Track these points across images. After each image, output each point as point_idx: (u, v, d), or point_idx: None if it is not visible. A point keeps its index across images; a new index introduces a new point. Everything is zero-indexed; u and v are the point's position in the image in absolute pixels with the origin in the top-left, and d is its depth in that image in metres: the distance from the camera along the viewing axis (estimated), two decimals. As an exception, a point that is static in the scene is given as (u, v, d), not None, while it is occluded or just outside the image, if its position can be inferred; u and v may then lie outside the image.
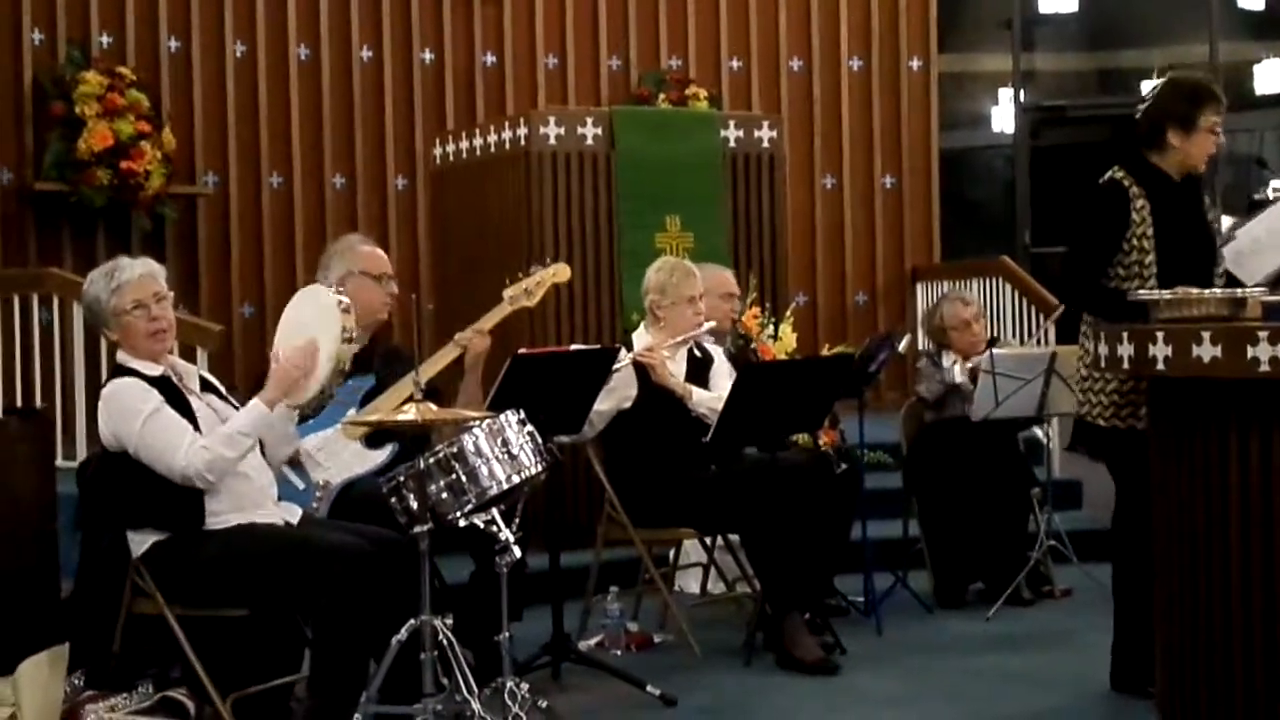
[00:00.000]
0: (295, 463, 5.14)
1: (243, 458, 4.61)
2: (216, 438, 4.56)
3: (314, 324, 4.71)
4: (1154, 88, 5.07)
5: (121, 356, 4.71)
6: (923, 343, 8.83)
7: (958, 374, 6.83)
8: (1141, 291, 4.76)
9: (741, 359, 6.49)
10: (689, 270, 6.12)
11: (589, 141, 7.46)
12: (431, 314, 7.84)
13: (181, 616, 4.64)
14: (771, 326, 7.27)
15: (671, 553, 6.77)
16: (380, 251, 5.60)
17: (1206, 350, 4.05)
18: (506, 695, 4.51)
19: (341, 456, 5.24)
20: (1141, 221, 4.94)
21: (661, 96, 10.22)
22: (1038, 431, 7.55)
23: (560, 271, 5.63)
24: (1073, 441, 5.22)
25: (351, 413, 5.17)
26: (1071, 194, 5.69)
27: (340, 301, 4.72)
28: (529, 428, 4.58)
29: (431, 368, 5.27)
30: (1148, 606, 4.70)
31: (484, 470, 4.43)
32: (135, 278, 4.69)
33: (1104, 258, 4.97)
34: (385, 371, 5.33)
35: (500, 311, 5.49)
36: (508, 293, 5.51)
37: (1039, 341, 8.09)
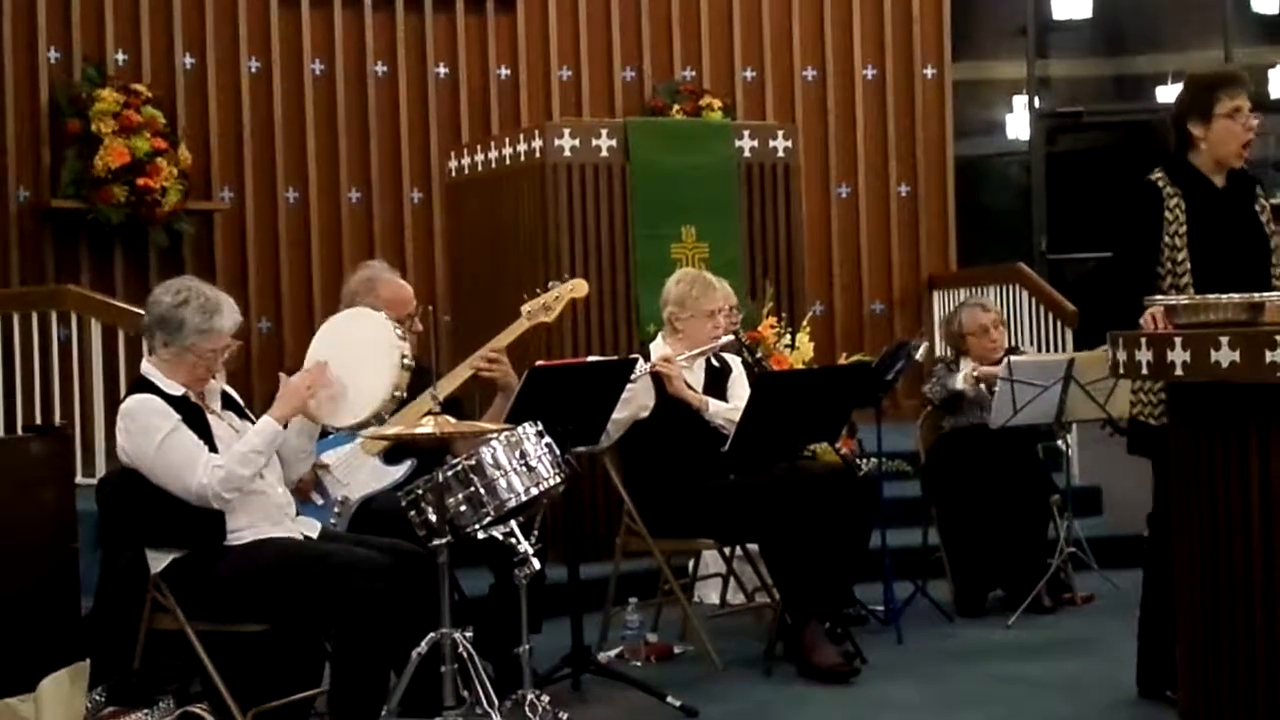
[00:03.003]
0: (308, 491, 5.16)
1: (257, 475, 4.61)
2: (230, 456, 4.57)
3: (360, 346, 4.72)
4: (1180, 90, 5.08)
5: (146, 369, 4.71)
6: (941, 350, 8.83)
7: (959, 381, 6.81)
8: (1158, 297, 4.74)
9: (748, 375, 6.48)
10: (709, 283, 6.11)
11: (604, 153, 7.47)
12: (449, 327, 7.85)
13: (201, 632, 4.64)
14: (788, 336, 7.26)
15: (690, 563, 6.77)
16: (403, 291, 5.57)
17: (1225, 355, 4.03)
18: (527, 707, 4.52)
19: (360, 472, 5.25)
20: (1174, 220, 4.91)
21: (676, 107, 10.23)
22: (1060, 444, 7.52)
23: (578, 287, 5.62)
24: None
25: (371, 427, 5.17)
26: (1103, 200, 5.68)
27: (395, 328, 4.74)
28: (547, 439, 4.58)
29: (449, 384, 5.28)
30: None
31: (502, 483, 4.44)
32: (229, 327, 4.73)
33: (1135, 261, 4.93)
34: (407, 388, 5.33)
35: (518, 327, 5.48)
36: (525, 308, 5.51)
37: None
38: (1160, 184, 4.95)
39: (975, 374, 6.78)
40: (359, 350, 4.71)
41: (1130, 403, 5.09)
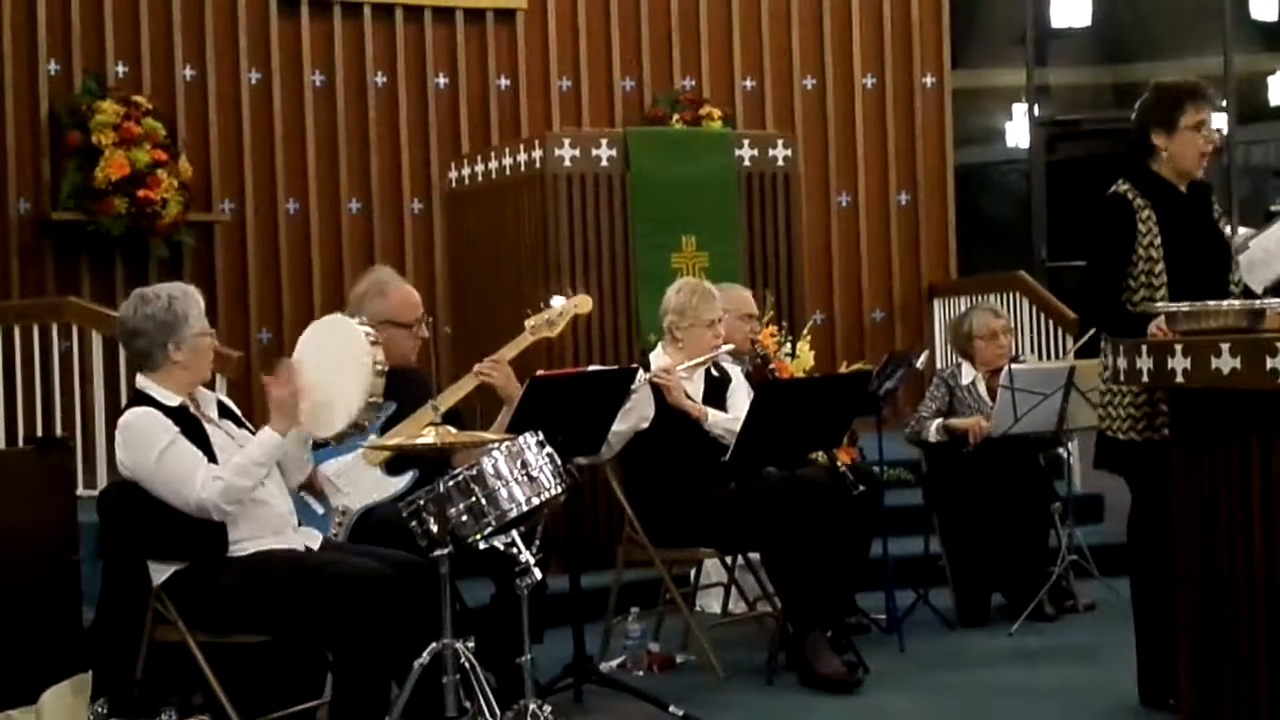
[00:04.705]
0: (316, 490, 5.15)
1: (258, 486, 4.61)
2: (230, 468, 4.56)
3: (337, 354, 4.71)
4: (1143, 95, 5.08)
5: (141, 383, 4.71)
6: (945, 354, 8.83)
7: (932, 433, 6.79)
8: (1159, 304, 4.75)
9: (759, 377, 6.49)
10: (709, 293, 6.12)
11: (604, 163, 7.47)
12: (449, 337, 7.85)
13: (203, 643, 4.64)
14: (789, 345, 7.26)
15: (692, 573, 6.76)
16: (412, 295, 5.57)
17: (1226, 362, 4.04)
18: (529, 717, 4.51)
19: (362, 483, 5.24)
20: (1148, 231, 4.92)
21: (675, 117, 10.23)
22: (1062, 452, 7.51)
23: (582, 303, 5.64)
24: (1096, 459, 5.19)
25: (372, 438, 5.17)
26: (1081, 210, 5.68)
27: (368, 334, 4.72)
28: (548, 449, 4.58)
29: (452, 396, 5.28)
30: (1169, 618, 4.68)
31: (503, 493, 4.44)
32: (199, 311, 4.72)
33: (1116, 272, 4.95)
34: (406, 398, 5.33)
35: (522, 341, 5.49)
36: (529, 323, 5.51)
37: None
38: (1129, 196, 4.96)
39: (947, 425, 6.77)
40: (333, 360, 4.71)
41: (1099, 417, 5.10)
